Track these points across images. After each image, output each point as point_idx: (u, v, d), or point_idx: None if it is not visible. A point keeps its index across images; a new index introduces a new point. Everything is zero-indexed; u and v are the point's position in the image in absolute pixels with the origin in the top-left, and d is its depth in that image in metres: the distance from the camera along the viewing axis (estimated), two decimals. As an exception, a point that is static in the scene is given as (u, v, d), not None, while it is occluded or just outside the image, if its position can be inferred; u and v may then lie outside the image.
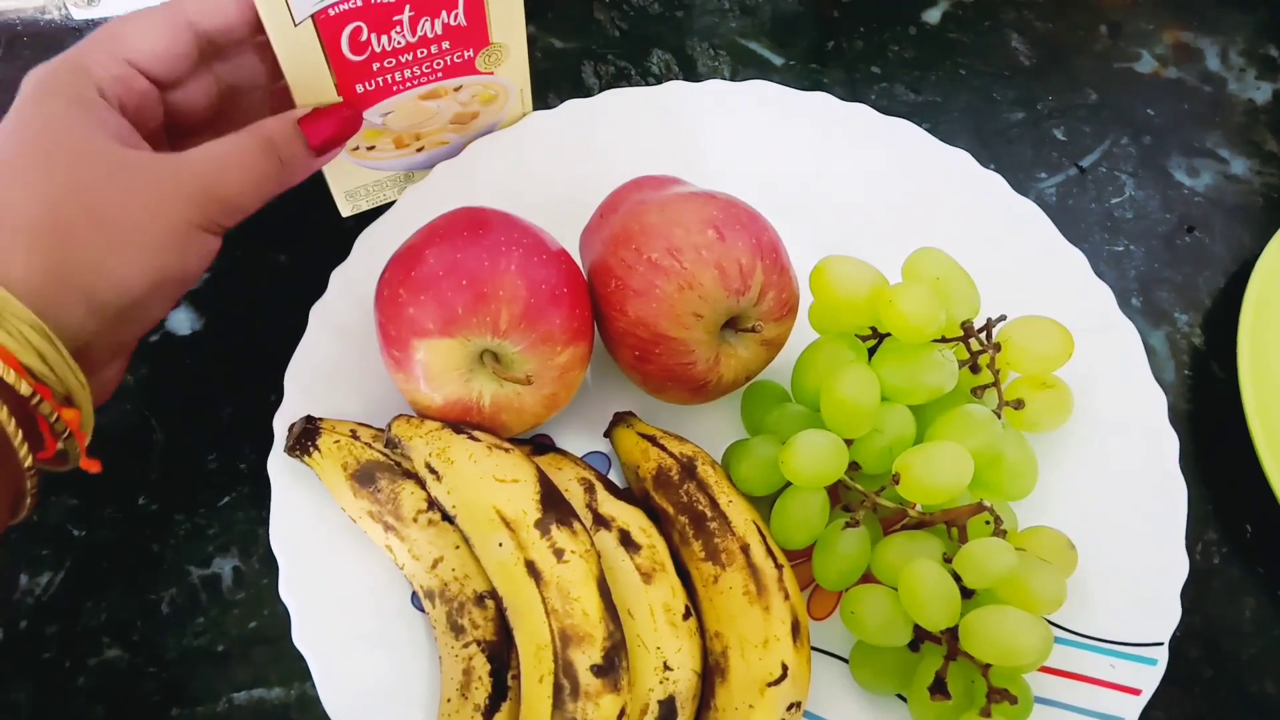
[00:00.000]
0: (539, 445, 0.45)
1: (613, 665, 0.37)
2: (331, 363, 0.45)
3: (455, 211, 0.42)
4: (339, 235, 0.51)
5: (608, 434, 0.46)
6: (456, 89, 0.47)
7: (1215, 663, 0.44)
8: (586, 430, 0.46)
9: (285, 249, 0.51)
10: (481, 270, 0.39)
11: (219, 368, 0.48)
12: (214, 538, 0.45)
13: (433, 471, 0.40)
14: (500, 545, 0.38)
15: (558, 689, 0.36)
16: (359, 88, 0.44)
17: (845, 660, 0.43)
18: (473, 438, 0.40)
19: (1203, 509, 0.47)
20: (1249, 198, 0.55)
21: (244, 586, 0.44)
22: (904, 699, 0.41)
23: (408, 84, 0.45)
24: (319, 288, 0.46)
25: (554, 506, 0.39)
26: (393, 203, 0.49)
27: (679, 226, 0.41)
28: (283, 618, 0.40)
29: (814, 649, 0.42)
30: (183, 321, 0.49)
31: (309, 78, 0.42)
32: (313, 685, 0.40)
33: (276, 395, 0.44)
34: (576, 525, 0.39)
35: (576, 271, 0.42)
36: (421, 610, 0.42)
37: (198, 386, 0.48)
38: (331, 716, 0.39)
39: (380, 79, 0.44)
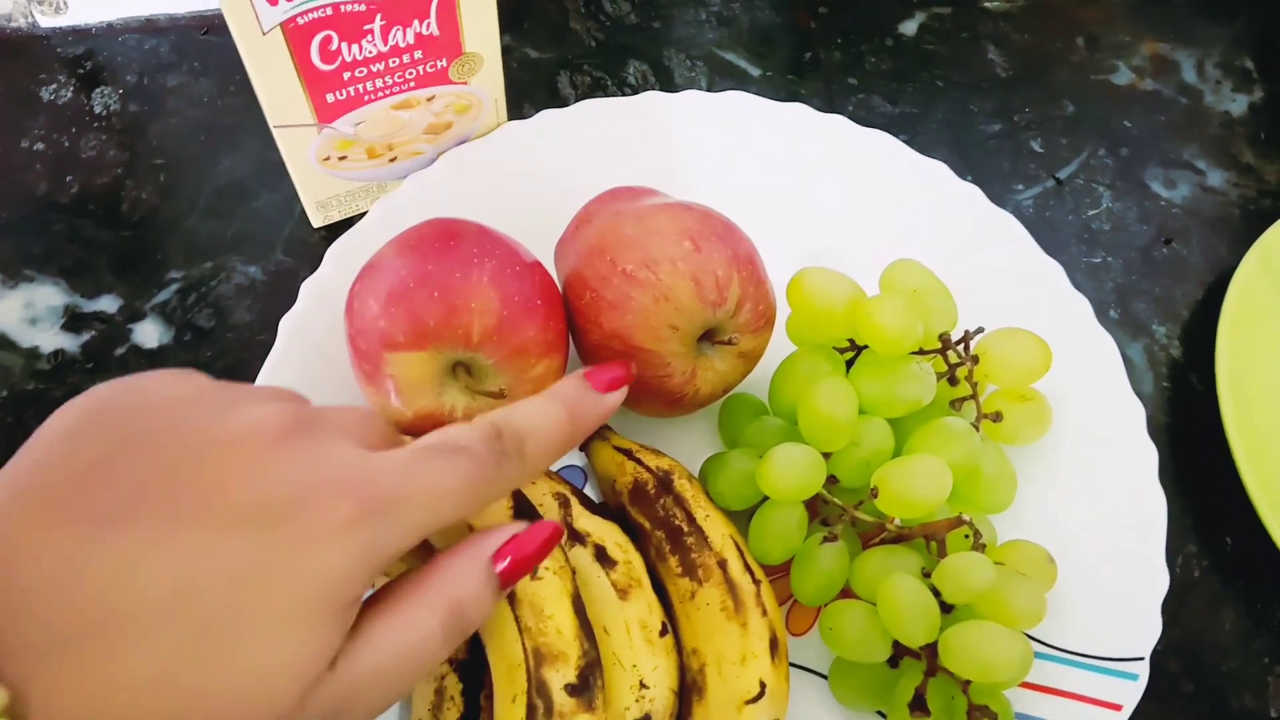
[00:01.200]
0: (513, 459, 0.44)
1: (587, 684, 0.36)
2: (302, 376, 0.44)
3: (427, 222, 0.41)
4: (310, 247, 0.51)
5: (583, 448, 0.45)
6: (430, 99, 0.46)
7: (1196, 677, 0.44)
8: (562, 444, 0.46)
9: (256, 261, 0.50)
10: (453, 282, 0.38)
11: (187, 381, 0.47)
12: (180, 555, 0.44)
13: (404, 487, 0.39)
14: (472, 562, 0.37)
15: (531, 709, 0.35)
16: (329, 97, 0.43)
17: (824, 676, 0.42)
18: (445, 452, 0.39)
19: (1182, 522, 0.47)
20: (1226, 209, 0.55)
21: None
22: (884, 716, 0.41)
23: (380, 94, 0.44)
24: (289, 300, 0.45)
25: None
26: (365, 213, 0.48)
27: (655, 238, 0.40)
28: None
29: (792, 665, 0.42)
30: (150, 334, 0.48)
31: (279, 88, 0.42)
32: None
33: (245, 409, 0.43)
34: (550, 541, 0.38)
35: (551, 284, 0.41)
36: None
37: (165, 400, 0.47)
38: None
39: (351, 89, 0.43)
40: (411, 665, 0.28)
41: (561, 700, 0.35)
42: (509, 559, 0.30)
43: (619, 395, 0.35)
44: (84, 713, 0.23)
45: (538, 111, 0.51)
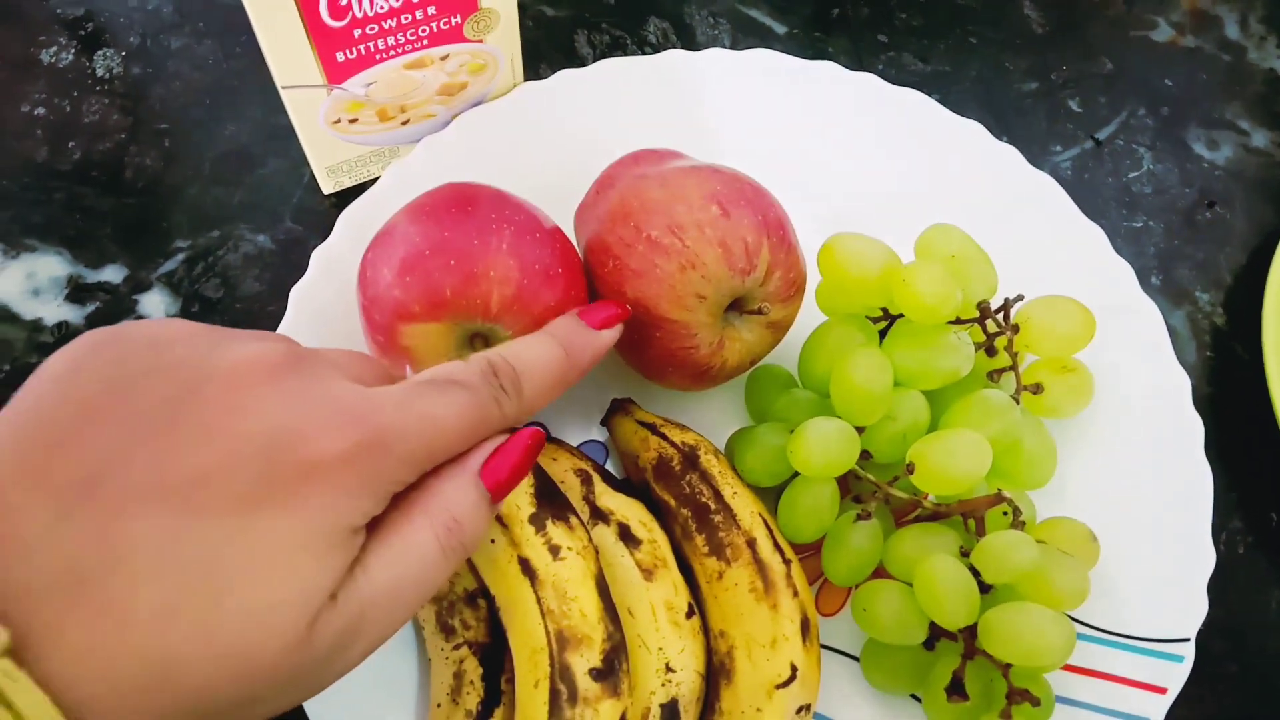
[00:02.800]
0: (533, 434, 0.43)
1: (612, 669, 0.34)
2: (314, 346, 0.42)
3: (443, 187, 0.39)
4: (320, 215, 0.49)
5: (605, 422, 0.43)
6: (443, 58, 0.44)
7: (1241, 657, 0.42)
8: (582, 418, 0.44)
9: (264, 230, 0.49)
10: (471, 249, 0.36)
11: (195, 354, 0.46)
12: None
13: (420, 464, 0.37)
14: (492, 542, 0.36)
15: (554, 695, 0.34)
16: (339, 56, 0.41)
17: (856, 659, 0.41)
18: (462, 428, 0.38)
19: (1227, 497, 0.45)
20: (1271, 171, 0.53)
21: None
22: (919, 699, 0.40)
23: (391, 52, 0.42)
24: (299, 269, 0.43)
25: (549, 500, 0.37)
26: (376, 179, 0.46)
27: (680, 202, 0.38)
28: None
29: (823, 647, 0.40)
30: (157, 305, 0.47)
31: (286, 47, 0.40)
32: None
33: (256, 383, 0.41)
34: (573, 520, 0.37)
35: (571, 251, 0.40)
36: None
37: (172, 374, 0.45)
38: (314, 722, 0.36)
39: (362, 47, 0.41)
40: (414, 589, 0.28)
41: (586, 685, 0.34)
42: (496, 470, 0.30)
43: (614, 332, 0.36)
44: (87, 651, 0.22)
45: (554, 72, 0.48)
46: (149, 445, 0.24)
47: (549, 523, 0.36)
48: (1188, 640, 0.39)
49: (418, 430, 0.27)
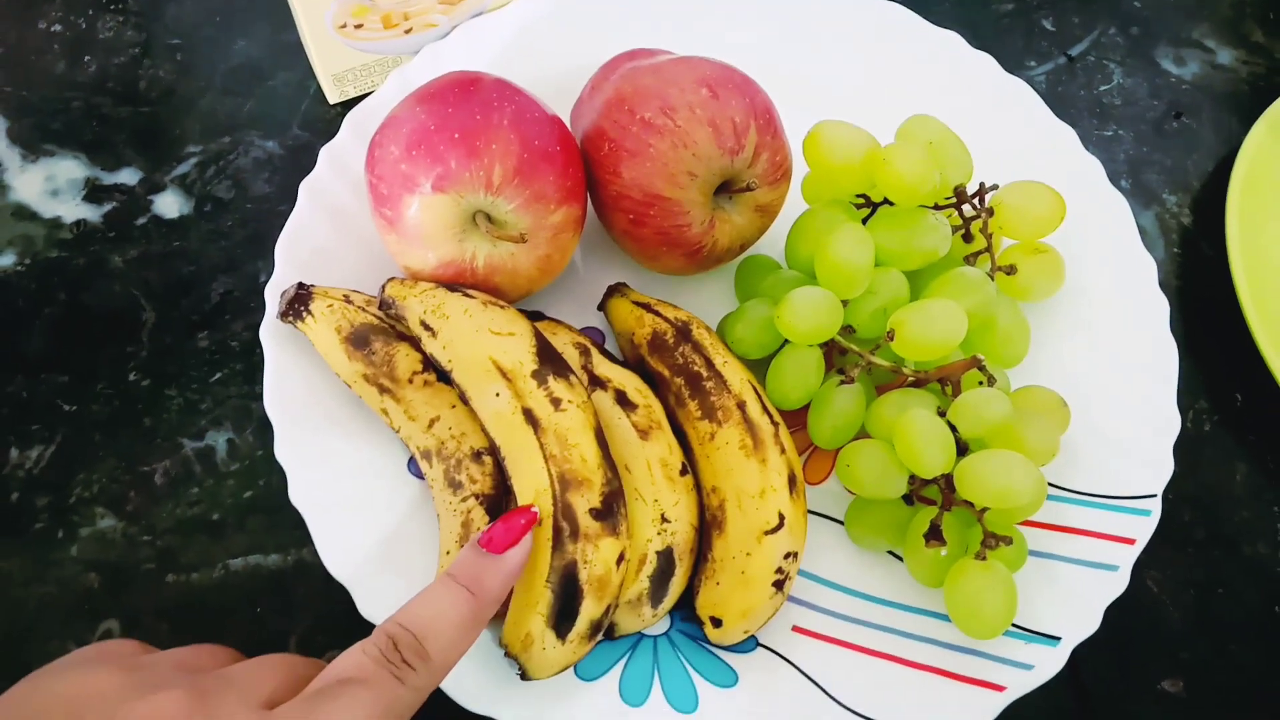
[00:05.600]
0: (532, 316, 0.45)
1: (611, 510, 0.37)
2: (322, 237, 0.44)
3: (447, 74, 0.41)
4: (327, 123, 0.51)
5: (601, 306, 0.46)
6: (446, -37, 0.46)
7: (1208, 524, 0.45)
8: (580, 307, 0.46)
9: (273, 136, 0.51)
10: (474, 124, 0.39)
11: (208, 249, 0.48)
12: (206, 412, 0.44)
13: (428, 328, 0.40)
14: (497, 395, 0.38)
15: (557, 531, 0.36)
16: (347, -45, 0.43)
17: (840, 523, 0.43)
18: (467, 295, 0.40)
19: (1194, 379, 0.47)
20: (1236, 86, 0.55)
21: (238, 458, 0.44)
22: (899, 557, 0.42)
23: (397, -46, 0.45)
24: (307, 172, 0.45)
25: (550, 360, 0.39)
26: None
27: (673, 86, 0.41)
28: (279, 488, 0.40)
29: (810, 513, 0.42)
30: (170, 205, 0.49)
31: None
32: (310, 551, 0.40)
33: (266, 276, 0.43)
34: (573, 378, 0.39)
35: (569, 136, 0.42)
36: (419, 477, 0.41)
37: (187, 267, 0.47)
38: (331, 571, 0.38)
39: (369, -53, 0.44)
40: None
41: (587, 523, 0.36)
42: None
43: (521, 551, 0.34)
44: None
45: (553, -15, 0.51)
46: None
47: (550, 378, 0.38)
48: (1154, 496, 0.41)
49: None
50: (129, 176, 0.49)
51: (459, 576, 0.33)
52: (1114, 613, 0.39)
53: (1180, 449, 0.42)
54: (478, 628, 0.32)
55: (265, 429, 0.40)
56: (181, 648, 0.32)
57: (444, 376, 0.40)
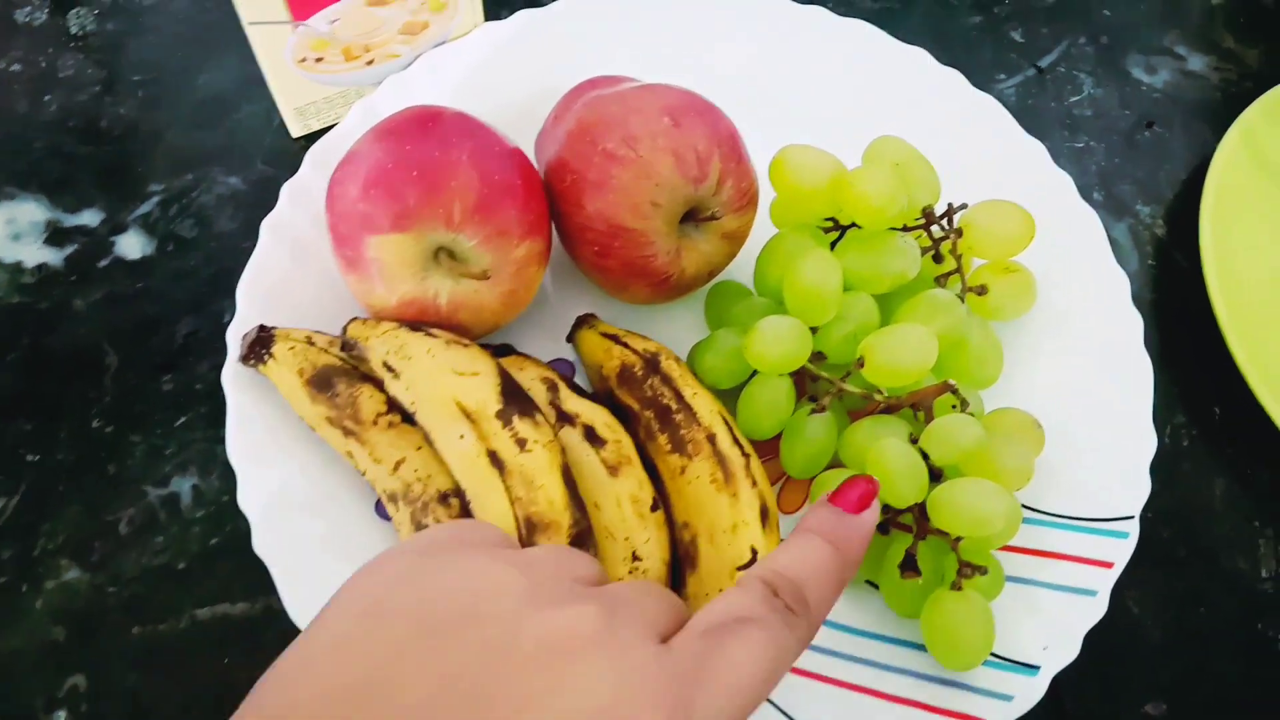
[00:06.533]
0: (501, 350, 0.44)
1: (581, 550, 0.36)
2: (285, 276, 0.44)
3: (406, 110, 0.41)
4: (290, 157, 0.51)
5: (570, 338, 0.45)
6: (404, -6, 0.46)
7: (1188, 541, 0.44)
8: (550, 338, 0.46)
9: (236, 172, 0.50)
10: (432, 161, 0.38)
11: (172, 290, 0.47)
12: (171, 457, 0.44)
13: (390, 369, 0.39)
14: (462, 438, 0.38)
15: (524, 575, 0.35)
16: (302, -10, 0.43)
17: (817, 552, 0.42)
18: (430, 334, 0.39)
19: (1170, 394, 0.47)
20: (1207, 93, 0.55)
21: (204, 504, 0.43)
22: (876, 586, 0.41)
23: (353, -13, 0.44)
24: (271, 207, 0.45)
25: (515, 398, 0.38)
26: (344, 117, 0.48)
27: (635, 115, 0.40)
28: (245, 534, 0.39)
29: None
30: (133, 245, 0.48)
31: (250, -21, 0.42)
32: (278, 599, 0.39)
33: (231, 315, 0.43)
34: (539, 417, 0.38)
35: (531, 168, 0.41)
36: (386, 519, 0.41)
37: (151, 309, 0.47)
38: (296, 622, 0.38)
39: (324, -19, 0.43)
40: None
41: (554, 566, 0.35)
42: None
43: (873, 514, 0.32)
44: None
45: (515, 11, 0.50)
46: (459, 715, 0.23)
47: (515, 418, 0.37)
48: (1132, 518, 0.40)
49: (728, 694, 0.25)
50: (91, 217, 0.49)
51: (821, 531, 0.30)
52: (1094, 635, 0.39)
53: (1159, 465, 0.42)
54: (843, 585, 0.30)
55: (230, 472, 0.40)
56: (541, 547, 0.29)
57: (409, 418, 0.40)
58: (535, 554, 0.28)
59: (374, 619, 0.25)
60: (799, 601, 0.28)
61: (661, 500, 0.40)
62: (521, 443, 0.37)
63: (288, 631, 0.38)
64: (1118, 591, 0.40)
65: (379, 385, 0.40)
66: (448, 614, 0.25)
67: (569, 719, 0.23)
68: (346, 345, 0.40)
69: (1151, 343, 0.44)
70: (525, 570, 0.26)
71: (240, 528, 0.41)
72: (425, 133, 0.39)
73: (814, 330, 0.41)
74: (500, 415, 0.37)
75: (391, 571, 0.27)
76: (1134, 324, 0.44)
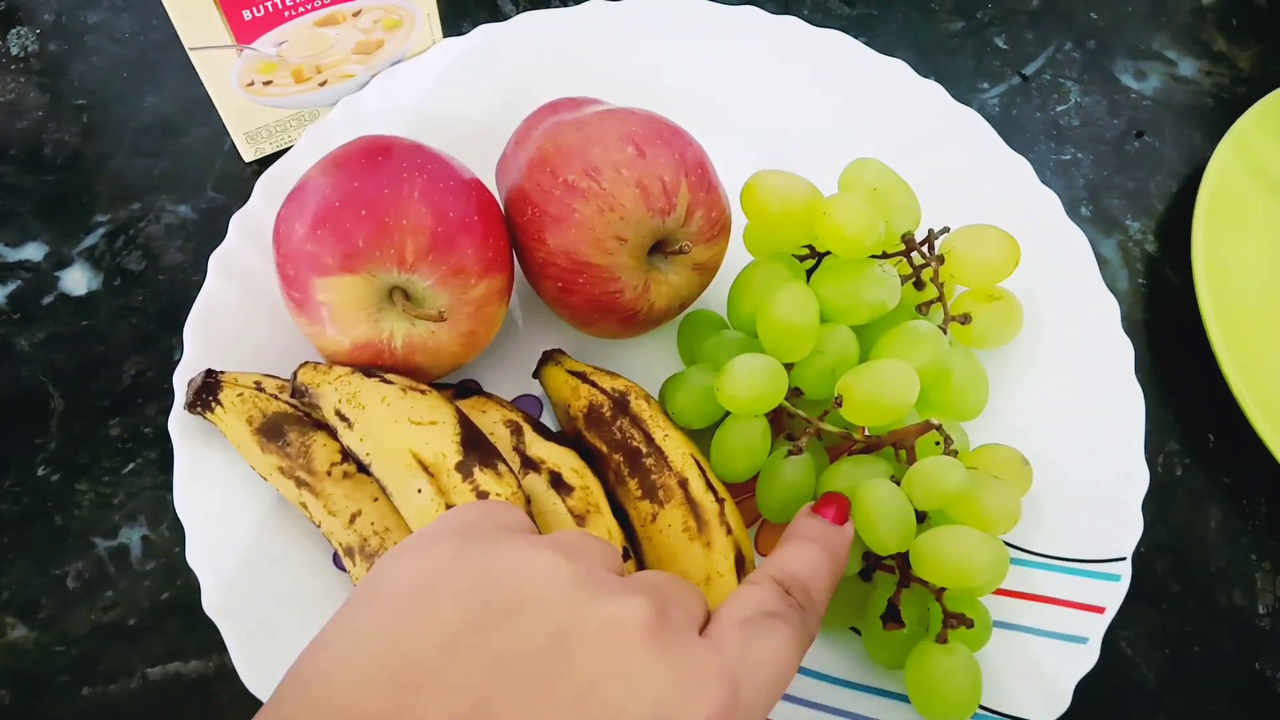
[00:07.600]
0: (464, 389, 0.42)
1: (544, 612, 0.34)
2: (235, 314, 0.42)
3: (357, 140, 0.39)
4: (242, 183, 0.48)
5: (536, 374, 0.43)
6: (355, 14, 0.44)
7: (1182, 576, 0.42)
8: (515, 373, 0.44)
9: (186, 200, 0.48)
10: (381, 198, 0.36)
11: (119, 327, 0.45)
12: (120, 506, 0.42)
13: (343, 419, 0.37)
14: (419, 492, 0.36)
15: (484, 640, 0.33)
16: (245, 14, 0.41)
17: (796, 596, 0.40)
18: (385, 380, 0.37)
19: (1163, 420, 0.45)
20: (1199, 99, 0.53)
21: (154, 556, 0.41)
22: (859, 632, 0.39)
23: (300, 9, 0.42)
24: (223, 238, 0.43)
25: (476, 448, 0.36)
26: (296, 142, 0.45)
27: (596, 145, 0.38)
28: (197, 588, 0.37)
29: (763, 586, 0.40)
30: (78, 280, 0.46)
31: (191, 4, 0.39)
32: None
33: (181, 352, 0.41)
34: (502, 467, 0.36)
35: (490, 200, 0.39)
36: (344, 570, 0.39)
37: (97, 348, 0.45)
38: (249, 687, 0.36)
39: (269, 3, 0.41)
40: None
41: (517, 629, 0.34)
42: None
43: (851, 526, 0.35)
44: None
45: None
46: (518, 700, 0.23)
47: (476, 469, 0.36)
48: (1124, 560, 0.39)
49: (766, 685, 0.27)
50: (34, 252, 0.46)
51: (814, 538, 0.33)
52: (1086, 679, 0.37)
53: (1151, 497, 0.40)
54: (836, 587, 0.33)
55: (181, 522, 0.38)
56: (569, 533, 0.29)
57: (364, 467, 0.38)
58: (572, 540, 0.28)
59: (425, 602, 0.25)
60: (808, 599, 0.31)
61: (632, 547, 0.39)
62: (483, 496, 0.35)
63: (243, 692, 0.37)
64: (1110, 630, 0.38)
65: (332, 433, 0.38)
66: (501, 598, 0.25)
67: (631, 706, 0.24)
68: (297, 392, 0.38)
69: (1143, 366, 0.42)
70: (568, 557, 0.27)
71: (193, 580, 0.40)
72: (374, 167, 0.37)
73: (790, 366, 0.39)
74: (460, 468, 0.36)
75: (437, 554, 0.26)
76: (1124, 351, 0.42)
